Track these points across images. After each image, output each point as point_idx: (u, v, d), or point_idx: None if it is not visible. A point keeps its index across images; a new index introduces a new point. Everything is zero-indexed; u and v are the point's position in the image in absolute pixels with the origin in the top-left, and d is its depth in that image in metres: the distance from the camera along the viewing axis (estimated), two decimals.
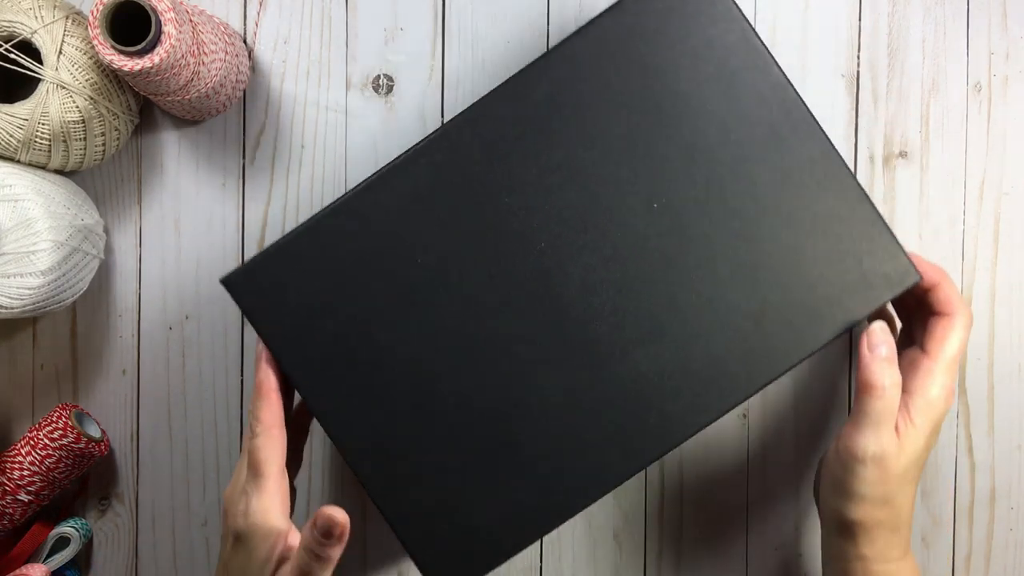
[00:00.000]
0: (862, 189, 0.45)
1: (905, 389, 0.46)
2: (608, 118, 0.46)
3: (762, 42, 0.45)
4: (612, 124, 0.46)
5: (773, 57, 0.46)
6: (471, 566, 0.47)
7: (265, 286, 0.46)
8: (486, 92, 0.46)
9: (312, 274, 0.46)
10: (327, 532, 0.40)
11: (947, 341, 0.47)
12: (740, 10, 0.45)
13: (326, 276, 0.46)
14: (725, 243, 0.46)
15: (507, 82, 0.46)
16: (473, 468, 0.46)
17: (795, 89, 0.46)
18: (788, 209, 0.46)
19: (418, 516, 0.46)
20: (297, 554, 0.42)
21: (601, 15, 0.45)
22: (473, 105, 0.46)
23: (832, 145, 0.45)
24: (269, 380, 0.46)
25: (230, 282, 0.46)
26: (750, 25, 0.45)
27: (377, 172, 0.46)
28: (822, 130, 0.45)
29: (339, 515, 0.40)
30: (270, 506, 0.44)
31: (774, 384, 0.53)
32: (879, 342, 0.45)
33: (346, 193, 0.46)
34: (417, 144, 0.46)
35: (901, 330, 0.52)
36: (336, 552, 0.41)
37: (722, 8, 0.45)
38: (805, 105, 0.46)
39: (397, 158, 0.46)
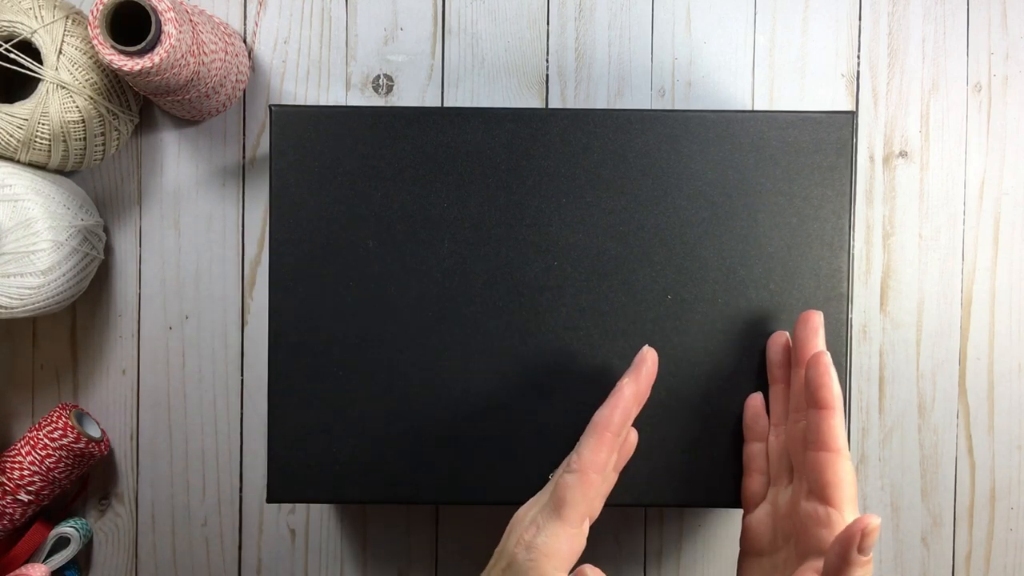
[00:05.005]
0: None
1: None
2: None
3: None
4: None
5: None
6: (314, 491, 0.47)
7: (298, 135, 0.47)
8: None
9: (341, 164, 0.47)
10: None
11: (843, 485, 0.40)
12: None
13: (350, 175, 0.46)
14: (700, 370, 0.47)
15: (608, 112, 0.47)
16: (370, 414, 0.47)
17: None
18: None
19: (297, 427, 0.47)
20: None
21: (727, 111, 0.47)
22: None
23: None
24: (612, 420, 0.41)
25: (279, 111, 0.47)
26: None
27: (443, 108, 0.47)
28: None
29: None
30: (554, 551, 0.40)
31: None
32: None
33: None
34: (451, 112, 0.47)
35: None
36: None
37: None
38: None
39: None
